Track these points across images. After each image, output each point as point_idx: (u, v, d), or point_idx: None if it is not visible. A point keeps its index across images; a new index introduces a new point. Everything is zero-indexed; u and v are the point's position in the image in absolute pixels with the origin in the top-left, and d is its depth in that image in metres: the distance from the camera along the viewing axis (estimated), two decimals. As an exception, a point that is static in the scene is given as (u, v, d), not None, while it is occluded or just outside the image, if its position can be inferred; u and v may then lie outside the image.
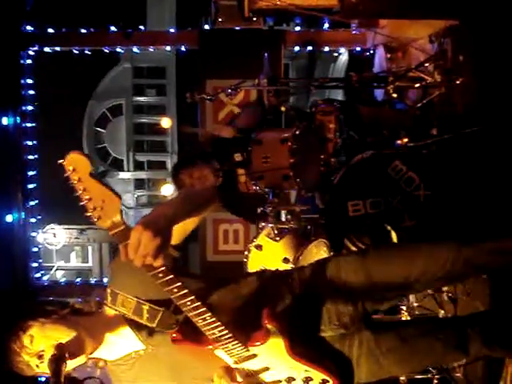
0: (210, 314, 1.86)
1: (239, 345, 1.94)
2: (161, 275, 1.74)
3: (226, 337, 1.91)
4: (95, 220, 1.67)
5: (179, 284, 1.78)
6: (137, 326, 2.10)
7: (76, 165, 1.63)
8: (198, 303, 1.83)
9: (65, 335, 1.98)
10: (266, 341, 1.97)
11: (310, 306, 2.17)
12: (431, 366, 3.26)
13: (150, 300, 2.04)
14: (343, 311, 2.16)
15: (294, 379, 2.06)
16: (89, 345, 2.03)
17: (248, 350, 1.97)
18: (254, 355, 1.99)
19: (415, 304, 3.69)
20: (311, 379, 2.05)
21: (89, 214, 1.67)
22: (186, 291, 1.79)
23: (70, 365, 1.96)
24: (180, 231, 2.02)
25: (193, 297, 1.81)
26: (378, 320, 2.47)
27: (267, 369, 2.05)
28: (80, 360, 2.02)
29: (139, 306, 2.05)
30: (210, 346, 1.96)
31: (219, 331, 1.89)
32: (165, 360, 2.10)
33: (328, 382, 2.06)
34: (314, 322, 2.17)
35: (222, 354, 1.98)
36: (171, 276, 1.76)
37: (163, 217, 1.78)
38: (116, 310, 2.10)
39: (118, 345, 2.13)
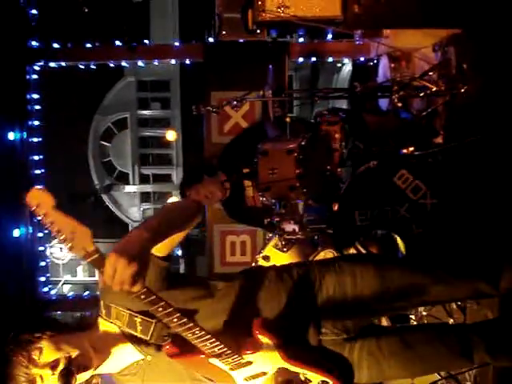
0: (198, 328, 1.85)
1: (233, 354, 1.94)
2: (143, 297, 1.73)
3: (219, 347, 1.91)
4: (68, 250, 1.66)
5: (163, 303, 1.77)
6: (135, 340, 2.10)
7: (39, 200, 1.64)
8: (185, 319, 1.82)
9: (71, 348, 1.98)
10: (258, 350, 1.97)
11: (311, 307, 2.16)
12: (434, 371, 3.23)
13: (141, 312, 2.03)
14: (348, 317, 2.17)
15: (291, 381, 2.07)
16: (95, 359, 2.03)
17: (242, 358, 1.98)
18: (250, 362, 2.00)
19: (424, 313, 3.69)
20: (310, 381, 2.07)
21: (61, 245, 1.68)
22: (170, 309, 1.78)
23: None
24: (166, 244, 2.00)
25: (178, 314, 1.80)
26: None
27: (264, 374, 2.05)
28: (86, 375, 2.01)
29: (132, 319, 2.05)
30: (204, 356, 1.95)
31: (211, 343, 1.89)
32: (166, 366, 2.11)
33: (328, 383, 2.07)
34: (315, 323, 2.16)
35: (216, 362, 1.98)
36: (153, 297, 1.74)
37: (138, 242, 1.75)
38: (111, 323, 2.11)
39: (122, 357, 2.14)
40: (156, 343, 2.05)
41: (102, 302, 2.12)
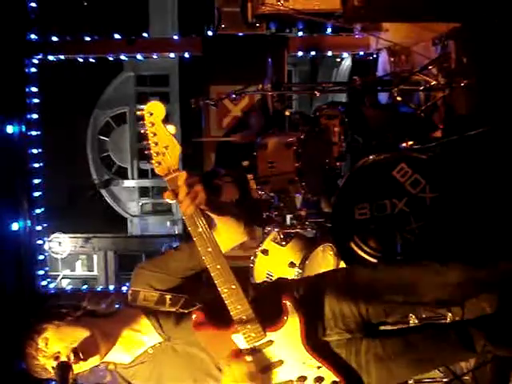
0: (235, 281, 1.96)
1: (258, 326, 1.99)
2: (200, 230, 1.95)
3: (248, 313, 1.97)
4: (156, 165, 1.86)
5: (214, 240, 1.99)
6: (156, 319, 2.16)
7: (154, 110, 1.86)
8: (228, 268, 1.97)
9: (79, 336, 2.02)
10: (285, 323, 2.01)
11: (315, 309, 2.19)
12: (441, 366, 3.24)
13: (169, 290, 2.16)
14: (349, 316, 2.19)
15: (305, 378, 2.07)
16: (103, 346, 2.06)
17: (265, 336, 2.01)
18: (271, 342, 2.02)
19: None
20: (322, 379, 2.07)
21: (152, 160, 1.87)
22: (219, 250, 1.99)
23: (84, 367, 2.02)
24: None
25: (225, 261, 1.98)
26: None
27: (281, 362, 2.06)
28: (94, 361, 2.05)
29: (162, 297, 2.16)
30: (228, 331, 2.00)
31: (241, 305, 1.96)
32: (181, 353, 2.14)
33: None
34: (320, 325, 2.19)
35: (239, 338, 2.01)
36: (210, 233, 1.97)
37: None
38: (137, 307, 2.17)
39: (134, 342, 2.17)
40: (183, 310, 2.12)
41: (130, 291, 2.20)
